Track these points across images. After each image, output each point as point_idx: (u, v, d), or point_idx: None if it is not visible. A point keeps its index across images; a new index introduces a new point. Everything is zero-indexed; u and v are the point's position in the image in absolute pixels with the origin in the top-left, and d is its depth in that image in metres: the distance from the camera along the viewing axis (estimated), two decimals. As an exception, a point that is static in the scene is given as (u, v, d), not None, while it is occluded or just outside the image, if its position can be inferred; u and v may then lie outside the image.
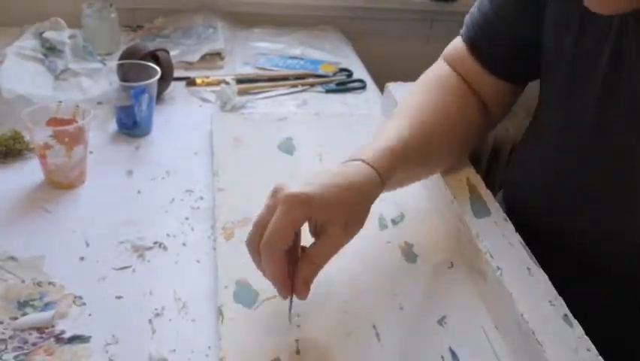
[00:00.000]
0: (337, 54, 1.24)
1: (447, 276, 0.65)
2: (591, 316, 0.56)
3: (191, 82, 1.05)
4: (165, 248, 0.68)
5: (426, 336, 0.58)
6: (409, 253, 0.68)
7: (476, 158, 1.54)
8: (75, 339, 0.56)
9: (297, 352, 0.55)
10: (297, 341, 0.56)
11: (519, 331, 0.55)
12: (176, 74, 1.02)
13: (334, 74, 1.14)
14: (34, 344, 0.55)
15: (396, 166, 0.61)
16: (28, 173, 0.77)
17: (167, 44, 1.10)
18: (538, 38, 0.67)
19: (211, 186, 0.77)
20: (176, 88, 1.02)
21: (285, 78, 1.10)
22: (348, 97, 1.08)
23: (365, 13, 1.43)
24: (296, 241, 0.55)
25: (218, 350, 0.55)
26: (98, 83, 0.98)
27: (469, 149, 0.76)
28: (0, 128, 0.82)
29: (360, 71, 1.16)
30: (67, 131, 0.72)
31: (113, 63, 0.91)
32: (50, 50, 1.04)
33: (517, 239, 0.64)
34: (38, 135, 0.72)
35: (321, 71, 1.14)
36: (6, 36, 1.06)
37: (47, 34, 1.05)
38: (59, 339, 0.56)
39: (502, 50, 0.71)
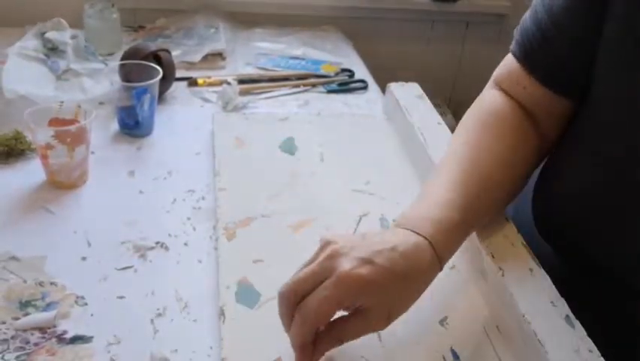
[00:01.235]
0: (339, 54, 1.24)
1: (449, 277, 0.65)
2: (619, 334, 0.55)
3: (192, 82, 1.05)
4: (167, 248, 0.68)
5: (427, 337, 0.58)
6: None
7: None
8: (77, 339, 0.56)
9: None
10: None
11: (521, 331, 0.55)
12: (178, 74, 1.02)
13: (336, 75, 1.14)
14: (36, 344, 0.55)
15: (458, 242, 0.57)
16: (30, 173, 0.77)
17: (168, 45, 1.10)
18: (596, 46, 0.59)
19: (213, 186, 0.77)
20: (177, 88, 1.02)
21: (286, 78, 1.10)
22: (350, 97, 1.08)
23: (367, 14, 1.43)
24: None
25: (219, 350, 0.55)
26: (99, 83, 0.99)
27: (528, 177, 0.69)
28: (2, 129, 0.82)
29: (361, 72, 1.16)
30: (69, 131, 0.73)
31: (115, 63, 0.91)
32: (52, 50, 1.04)
33: (519, 239, 0.64)
34: (40, 135, 0.72)
35: (322, 72, 1.14)
36: (8, 36, 1.06)
37: (49, 35, 1.05)
38: (61, 339, 0.56)
39: (562, 64, 0.63)
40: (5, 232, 0.68)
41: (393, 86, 0.94)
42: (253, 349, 0.55)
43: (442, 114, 1.10)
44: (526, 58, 0.65)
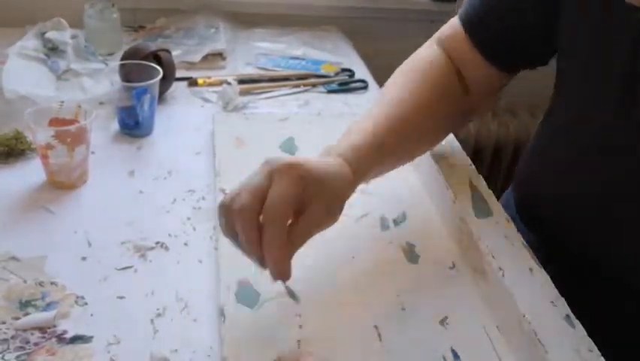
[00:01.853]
0: (339, 54, 1.24)
1: (449, 277, 0.65)
2: (605, 325, 0.56)
3: (192, 82, 1.05)
4: (167, 248, 0.68)
5: (428, 337, 0.58)
6: (411, 254, 0.68)
7: (478, 158, 1.54)
8: (77, 339, 0.56)
9: (299, 345, 0.56)
10: (298, 341, 0.56)
11: (521, 331, 0.55)
12: (178, 74, 1.02)
13: (336, 75, 1.14)
14: (36, 344, 0.55)
15: (371, 165, 0.62)
16: (30, 173, 0.77)
17: (168, 45, 1.10)
18: (547, 24, 0.65)
19: (213, 187, 0.77)
20: (177, 88, 1.02)
21: (286, 78, 1.10)
22: (350, 97, 1.08)
23: (367, 14, 1.43)
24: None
25: (220, 350, 0.55)
26: (99, 83, 0.98)
27: (449, 132, 0.77)
28: (2, 129, 0.82)
29: (361, 72, 1.16)
30: (69, 131, 0.73)
31: (115, 63, 0.91)
32: (52, 50, 1.04)
33: (519, 239, 0.64)
34: (40, 135, 0.72)
35: (322, 72, 1.14)
36: (8, 36, 1.06)
37: (49, 35, 1.05)
38: (61, 339, 0.56)
39: (502, 36, 0.69)
40: (5, 231, 0.68)
41: None
42: (253, 349, 0.55)
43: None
44: (470, 25, 0.71)
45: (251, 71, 1.14)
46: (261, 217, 0.52)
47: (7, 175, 0.77)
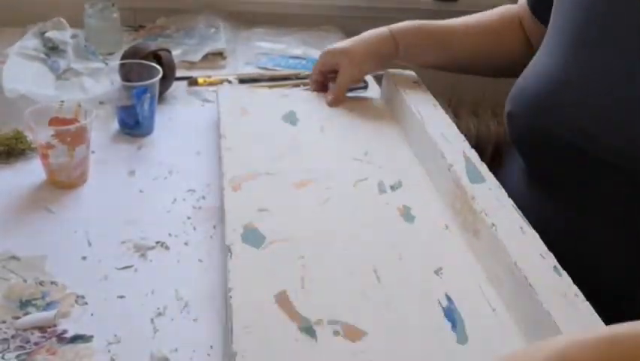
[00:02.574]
0: (339, 54, 1.23)
1: (442, 236, 0.69)
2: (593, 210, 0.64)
3: (193, 82, 1.05)
4: (167, 248, 0.68)
5: (423, 283, 0.61)
6: (407, 215, 0.71)
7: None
8: (77, 339, 0.56)
9: (302, 287, 0.58)
10: (302, 277, 0.59)
11: (512, 278, 0.58)
12: (178, 73, 1.02)
13: (336, 74, 1.14)
14: (36, 344, 0.55)
15: (412, 40, 0.90)
16: (30, 172, 0.77)
17: (169, 44, 1.10)
18: None
19: (213, 186, 0.77)
20: (178, 88, 1.02)
21: (286, 78, 1.10)
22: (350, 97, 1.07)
23: (367, 13, 1.43)
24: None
25: (225, 286, 0.58)
26: (99, 82, 0.99)
27: (505, 70, 0.91)
28: (2, 128, 0.82)
29: (362, 71, 1.16)
30: (69, 130, 0.73)
31: (115, 63, 0.91)
32: (52, 49, 1.04)
33: (510, 203, 0.67)
34: (40, 135, 0.72)
35: (322, 71, 1.14)
36: (8, 36, 1.06)
37: (49, 34, 1.05)
38: (61, 339, 0.56)
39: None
40: (5, 231, 0.68)
41: (392, 72, 0.99)
42: (259, 283, 0.58)
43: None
44: None
45: (251, 70, 1.14)
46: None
47: (7, 175, 0.77)
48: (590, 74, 0.66)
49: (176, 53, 1.09)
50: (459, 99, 1.55)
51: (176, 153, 0.85)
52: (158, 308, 0.60)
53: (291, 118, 0.89)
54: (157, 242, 0.68)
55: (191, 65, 1.11)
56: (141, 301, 0.60)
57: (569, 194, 0.70)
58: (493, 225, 0.63)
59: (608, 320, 0.52)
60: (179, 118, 0.94)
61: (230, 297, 0.56)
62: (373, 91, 1.09)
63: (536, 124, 0.70)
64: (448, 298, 0.60)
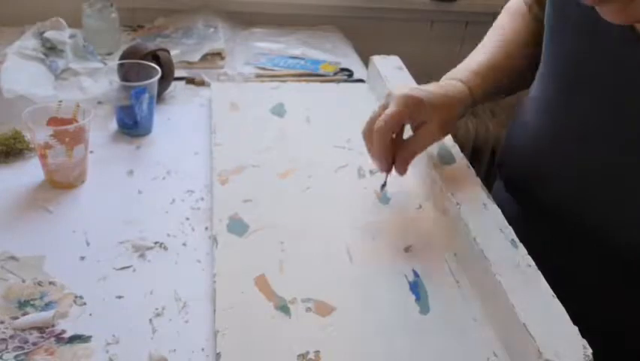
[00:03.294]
0: (338, 54, 1.24)
1: (415, 215, 0.74)
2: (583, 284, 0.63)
3: (191, 81, 1.05)
4: (166, 248, 0.68)
5: (393, 260, 0.66)
6: (383, 197, 0.77)
7: (477, 157, 1.54)
8: (75, 339, 0.56)
9: (280, 270, 0.64)
10: (280, 261, 0.65)
11: (472, 252, 0.64)
12: (177, 73, 1.02)
13: (335, 74, 1.14)
14: (34, 344, 0.55)
15: (484, 84, 0.74)
16: (28, 173, 0.77)
17: (167, 44, 1.10)
18: None
19: (212, 187, 0.77)
20: (176, 88, 1.02)
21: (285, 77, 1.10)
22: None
23: (366, 13, 1.43)
24: (399, 137, 0.70)
25: (212, 270, 0.64)
26: (98, 82, 0.99)
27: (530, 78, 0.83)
28: (1, 128, 0.82)
29: (360, 71, 1.16)
30: (67, 130, 0.73)
31: (114, 63, 0.91)
32: (51, 49, 1.04)
33: (477, 183, 0.73)
34: (39, 135, 0.72)
35: (321, 71, 1.14)
36: (7, 36, 1.06)
37: (48, 34, 1.05)
38: (60, 339, 0.56)
39: None
40: (4, 231, 0.68)
41: (376, 59, 1.02)
42: (241, 267, 0.64)
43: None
44: None
45: (250, 70, 1.14)
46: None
47: (5, 175, 0.77)
48: (572, 138, 0.66)
49: (174, 53, 1.09)
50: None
51: (174, 153, 0.85)
52: (157, 309, 0.60)
53: (279, 110, 0.94)
54: (155, 242, 0.68)
55: (190, 64, 1.11)
56: (140, 301, 0.60)
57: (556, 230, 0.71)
58: (458, 204, 0.68)
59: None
60: (178, 118, 0.94)
61: (215, 282, 0.62)
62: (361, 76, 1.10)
63: (526, 184, 0.73)
64: (415, 273, 0.65)
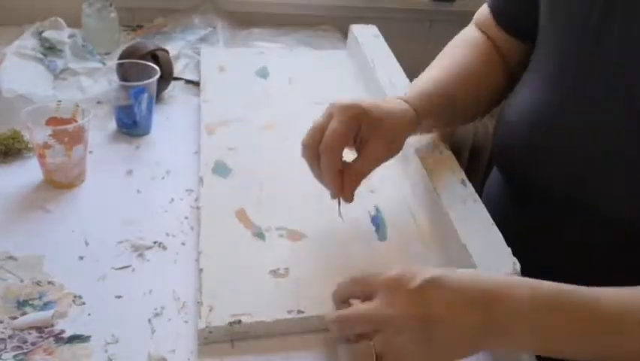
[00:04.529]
0: (337, 54, 1.23)
1: (386, 172, 0.76)
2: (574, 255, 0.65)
3: (190, 81, 1.05)
4: (165, 248, 0.68)
5: (358, 199, 0.69)
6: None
7: (476, 158, 1.54)
8: (74, 339, 0.56)
9: (258, 205, 0.73)
10: (259, 198, 0.74)
11: (428, 193, 0.74)
12: (176, 73, 1.02)
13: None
14: (33, 344, 0.55)
15: (429, 109, 0.71)
16: (27, 172, 0.77)
17: (166, 42, 1.09)
18: None
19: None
20: (175, 87, 1.02)
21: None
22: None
23: (365, 13, 1.42)
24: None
25: (198, 212, 0.72)
26: (97, 82, 0.98)
27: (493, 105, 0.84)
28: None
29: (359, 71, 1.16)
30: (66, 130, 0.72)
31: (113, 62, 0.91)
32: (50, 49, 1.04)
33: (447, 149, 0.79)
34: (38, 135, 0.72)
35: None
36: (6, 35, 1.05)
37: (47, 34, 1.05)
38: (59, 339, 0.56)
39: (519, 11, 0.76)
40: (3, 231, 0.68)
41: (355, 27, 1.12)
42: (223, 203, 0.73)
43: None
44: (494, 6, 0.80)
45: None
46: None
47: (4, 175, 0.77)
48: (571, 117, 0.65)
49: (173, 52, 1.08)
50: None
51: (173, 152, 0.85)
52: (156, 308, 0.60)
53: (263, 72, 1.03)
54: (154, 242, 0.68)
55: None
56: (139, 301, 0.60)
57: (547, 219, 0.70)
58: (424, 158, 0.78)
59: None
60: (177, 118, 0.94)
61: (200, 213, 0.71)
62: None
63: (522, 168, 0.72)
64: (377, 209, 0.74)
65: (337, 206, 0.67)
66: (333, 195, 0.66)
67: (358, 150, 0.66)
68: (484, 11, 0.83)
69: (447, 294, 0.48)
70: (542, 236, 0.69)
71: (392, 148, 0.67)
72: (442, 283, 0.48)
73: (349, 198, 0.65)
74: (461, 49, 0.81)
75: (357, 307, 0.52)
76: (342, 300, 0.55)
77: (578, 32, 0.64)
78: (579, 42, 0.64)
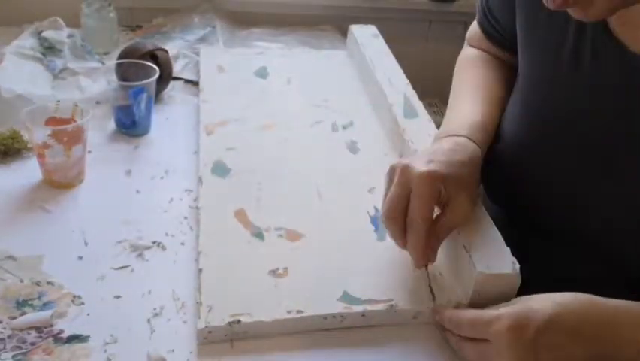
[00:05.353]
0: (336, 54, 1.23)
1: (380, 163, 0.80)
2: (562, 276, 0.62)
3: (189, 81, 1.05)
4: (164, 248, 0.68)
5: (357, 199, 0.74)
6: (353, 148, 0.86)
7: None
8: (74, 339, 0.56)
9: (257, 205, 0.73)
10: (258, 198, 0.74)
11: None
12: (175, 73, 1.02)
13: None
14: (32, 344, 0.55)
15: (487, 140, 0.70)
16: (26, 172, 0.77)
17: (165, 41, 1.09)
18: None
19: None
20: (174, 87, 1.02)
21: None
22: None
23: (364, 13, 1.43)
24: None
25: (197, 212, 0.72)
26: (96, 82, 0.98)
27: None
28: (-2, 128, 0.82)
29: (359, 71, 1.16)
30: (65, 130, 0.72)
31: (112, 62, 0.91)
32: (49, 49, 1.03)
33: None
34: (37, 135, 0.72)
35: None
36: (5, 35, 1.05)
37: (46, 34, 1.05)
38: (58, 339, 0.56)
39: (502, 28, 0.77)
40: (2, 231, 0.68)
41: (354, 27, 1.12)
42: (222, 203, 0.72)
43: (439, 113, 1.10)
44: (481, 24, 0.82)
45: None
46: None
47: (3, 174, 0.77)
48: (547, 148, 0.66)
49: (172, 52, 1.08)
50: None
51: (172, 152, 0.85)
52: (155, 308, 0.60)
53: (262, 73, 1.03)
54: (154, 242, 0.68)
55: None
56: (138, 301, 0.60)
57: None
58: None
59: None
60: (176, 118, 0.94)
61: (199, 213, 0.70)
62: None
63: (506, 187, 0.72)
64: (375, 209, 0.74)
65: (427, 276, 0.64)
66: (420, 266, 0.61)
67: (443, 207, 0.62)
68: (474, 28, 0.85)
69: (560, 339, 0.51)
70: (538, 268, 0.67)
71: (474, 196, 0.64)
72: (557, 329, 0.51)
73: (434, 259, 0.61)
74: (479, 70, 0.80)
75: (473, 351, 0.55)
76: (448, 329, 0.58)
77: (548, 70, 0.65)
78: (550, 81, 0.65)
